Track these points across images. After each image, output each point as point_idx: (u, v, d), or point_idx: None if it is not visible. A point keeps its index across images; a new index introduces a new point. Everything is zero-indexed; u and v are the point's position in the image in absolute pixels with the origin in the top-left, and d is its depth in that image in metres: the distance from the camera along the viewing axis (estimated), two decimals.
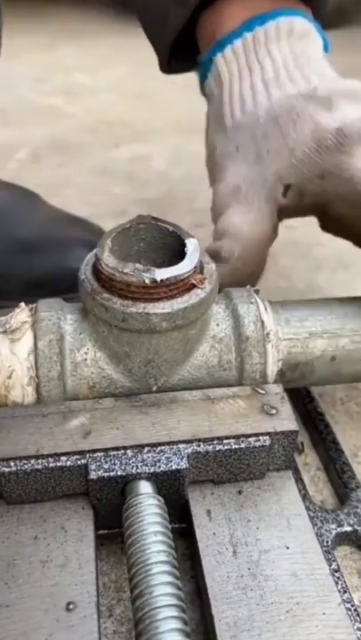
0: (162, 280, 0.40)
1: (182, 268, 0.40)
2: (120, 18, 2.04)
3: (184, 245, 0.42)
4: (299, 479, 0.46)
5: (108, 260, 0.40)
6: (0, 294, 0.65)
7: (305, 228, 0.93)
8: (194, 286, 0.41)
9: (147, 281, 0.39)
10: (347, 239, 0.54)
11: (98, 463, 0.40)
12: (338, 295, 0.51)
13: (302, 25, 0.51)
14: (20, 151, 1.19)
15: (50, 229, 0.70)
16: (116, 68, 1.66)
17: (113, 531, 0.43)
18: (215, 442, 0.41)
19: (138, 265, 0.40)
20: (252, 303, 0.45)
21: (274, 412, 0.43)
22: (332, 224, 0.53)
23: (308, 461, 0.53)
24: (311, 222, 0.93)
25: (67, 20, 2.13)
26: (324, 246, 0.87)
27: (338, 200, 0.47)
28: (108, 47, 1.84)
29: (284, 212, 0.50)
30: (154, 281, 0.39)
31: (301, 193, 0.47)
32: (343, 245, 0.83)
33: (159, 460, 0.40)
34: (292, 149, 0.46)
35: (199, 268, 0.42)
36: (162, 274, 0.40)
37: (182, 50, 0.57)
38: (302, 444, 0.53)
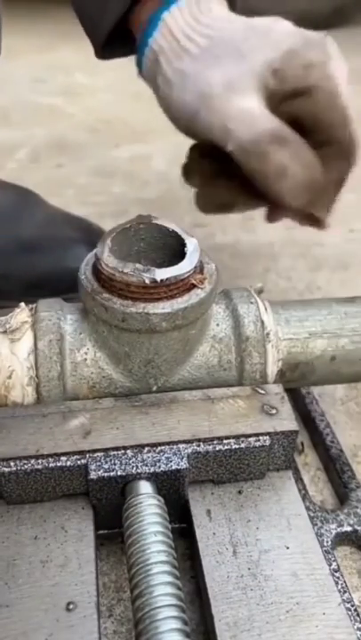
0: (162, 280, 0.40)
1: (182, 268, 0.40)
2: None
3: (184, 245, 0.43)
4: (299, 479, 0.47)
5: (108, 260, 0.40)
6: (0, 294, 0.65)
7: (305, 228, 0.93)
8: (194, 286, 0.41)
9: (147, 281, 0.39)
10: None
11: (98, 463, 0.40)
12: (338, 295, 0.51)
13: None
14: (20, 151, 1.19)
15: (50, 229, 0.70)
16: (115, 68, 1.66)
17: (113, 531, 0.43)
18: (215, 442, 0.41)
19: (138, 265, 0.40)
20: (252, 303, 0.45)
21: (274, 411, 0.43)
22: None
23: (308, 461, 0.53)
24: None
25: (66, 20, 2.13)
26: (324, 246, 0.87)
27: (317, 91, 0.48)
28: None
29: (275, 101, 0.51)
30: (154, 281, 0.39)
31: (283, 78, 0.48)
32: (343, 245, 0.83)
33: (159, 460, 0.40)
34: (277, 42, 0.49)
35: (199, 268, 0.42)
36: (162, 274, 0.40)
37: (116, 37, 0.60)
38: (302, 444, 0.53)
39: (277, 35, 0.50)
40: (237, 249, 0.85)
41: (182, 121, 0.54)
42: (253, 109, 0.48)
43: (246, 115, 0.48)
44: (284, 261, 0.83)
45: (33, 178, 0.97)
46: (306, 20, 2.07)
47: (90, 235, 0.70)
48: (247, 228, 0.91)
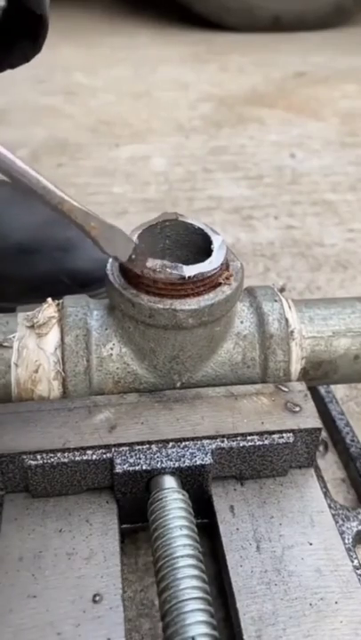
0: (189, 277, 0.40)
1: (209, 266, 0.41)
2: (120, 18, 2.04)
3: (209, 243, 0.43)
4: (320, 477, 0.47)
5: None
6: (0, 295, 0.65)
7: (305, 228, 0.94)
8: (220, 283, 0.41)
9: (174, 278, 0.40)
10: None
11: (123, 457, 0.40)
12: (338, 295, 0.51)
13: None
14: (20, 151, 1.19)
15: (49, 231, 0.69)
16: (116, 68, 1.66)
17: (135, 525, 0.43)
18: (239, 438, 0.42)
19: (165, 262, 0.40)
20: (276, 301, 0.46)
21: (297, 409, 0.43)
22: None
23: (328, 459, 0.53)
24: (311, 222, 0.94)
25: (67, 20, 2.13)
26: (324, 246, 0.87)
27: None
28: (108, 47, 1.84)
29: None
30: (181, 278, 0.40)
31: None
32: (343, 245, 0.83)
33: (184, 456, 0.41)
34: None
35: (225, 266, 0.42)
36: (189, 271, 0.40)
37: None
38: (326, 445, 0.53)
39: None
40: (237, 249, 0.85)
41: None
42: None
43: None
44: (284, 261, 0.84)
45: None
46: (306, 20, 2.06)
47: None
48: (247, 227, 0.91)
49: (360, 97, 1.47)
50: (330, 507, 0.43)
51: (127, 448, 0.41)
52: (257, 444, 0.41)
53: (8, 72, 0.63)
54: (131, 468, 0.40)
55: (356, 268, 0.82)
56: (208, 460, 0.41)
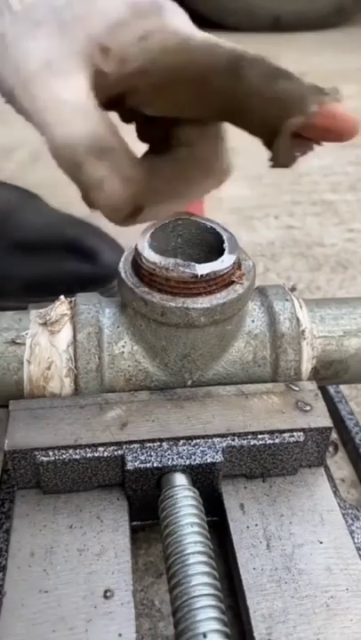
0: (202, 275, 0.40)
1: (222, 264, 0.41)
2: None
3: (221, 242, 0.43)
4: (330, 476, 0.47)
5: (149, 255, 0.41)
6: (0, 295, 0.65)
7: (305, 228, 0.94)
8: (232, 282, 0.41)
9: (187, 276, 0.40)
10: (178, 113, 0.45)
11: (134, 454, 0.40)
12: (338, 295, 0.51)
13: None
14: (20, 151, 1.19)
15: (49, 230, 0.69)
16: None
17: (145, 522, 0.43)
18: (250, 436, 0.42)
19: (178, 260, 0.40)
20: (287, 300, 0.46)
21: (308, 408, 0.43)
22: (159, 97, 0.44)
23: (337, 459, 0.53)
24: (311, 222, 0.94)
25: None
26: (324, 246, 0.87)
27: (168, 58, 0.41)
28: None
29: (108, 85, 0.43)
30: (194, 276, 0.40)
31: (123, 58, 0.41)
32: (343, 245, 0.83)
33: (194, 453, 0.41)
34: (102, 12, 0.41)
35: (237, 264, 0.43)
36: (202, 269, 0.40)
37: None
38: (336, 446, 0.53)
39: (104, 2, 0.41)
40: None
41: (2, 96, 0.43)
42: (73, 102, 0.40)
43: (64, 109, 0.40)
44: (284, 261, 0.84)
45: (33, 178, 0.97)
46: (306, 20, 2.07)
47: (90, 236, 0.69)
48: (247, 227, 0.91)
49: (360, 97, 1.47)
50: (340, 506, 0.43)
51: (138, 445, 0.41)
52: (267, 442, 0.42)
53: None
54: (142, 466, 0.40)
55: (357, 268, 0.82)
56: (219, 457, 0.41)
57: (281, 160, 0.39)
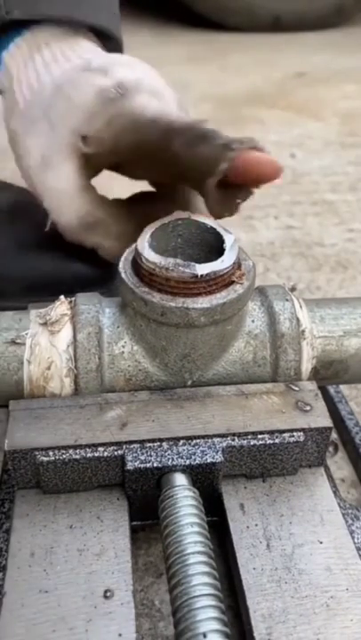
0: (202, 275, 0.40)
1: (222, 264, 0.41)
2: (120, 17, 2.04)
3: (221, 242, 0.43)
4: (330, 476, 0.47)
5: (149, 255, 0.41)
6: (0, 295, 0.65)
7: (305, 228, 0.94)
8: (233, 282, 0.41)
9: (187, 276, 0.40)
10: (149, 178, 0.57)
11: (134, 454, 0.40)
12: (338, 295, 0.51)
13: (77, 29, 0.57)
14: None
15: (49, 230, 0.69)
16: None
17: (145, 522, 0.43)
18: (250, 436, 0.42)
19: (178, 260, 0.40)
20: (287, 300, 0.46)
21: (308, 408, 0.43)
22: (133, 166, 0.56)
23: (338, 460, 0.53)
24: (311, 222, 0.94)
25: None
26: (324, 246, 0.87)
27: (126, 137, 0.50)
28: None
29: (95, 161, 0.53)
30: (194, 276, 0.40)
31: (99, 142, 0.50)
32: (343, 245, 0.83)
33: (194, 453, 0.41)
34: (78, 107, 0.50)
35: (237, 265, 0.43)
36: (202, 269, 0.40)
37: None
38: (336, 446, 0.53)
39: (79, 97, 0.50)
40: None
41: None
42: (64, 190, 0.51)
43: (58, 197, 0.52)
44: (284, 261, 0.84)
45: None
46: (306, 20, 2.06)
47: None
48: (247, 227, 0.91)
49: (360, 97, 1.47)
50: (340, 506, 0.43)
51: (138, 445, 0.41)
52: (267, 442, 0.42)
53: None
54: (142, 465, 0.40)
55: (357, 268, 0.83)
56: (219, 457, 0.41)
57: (215, 212, 0.45)
